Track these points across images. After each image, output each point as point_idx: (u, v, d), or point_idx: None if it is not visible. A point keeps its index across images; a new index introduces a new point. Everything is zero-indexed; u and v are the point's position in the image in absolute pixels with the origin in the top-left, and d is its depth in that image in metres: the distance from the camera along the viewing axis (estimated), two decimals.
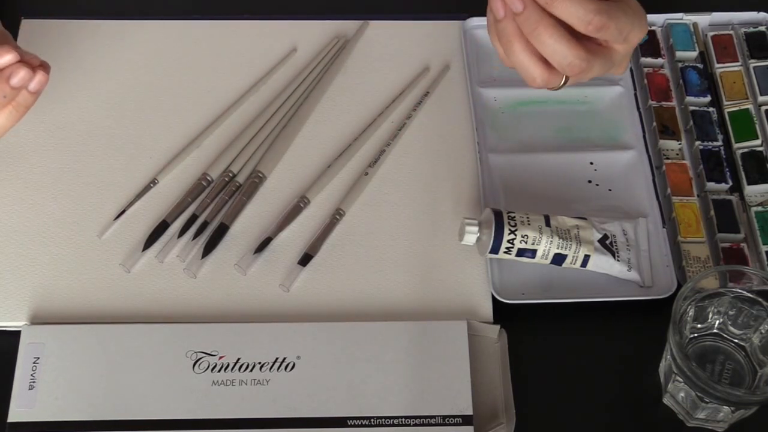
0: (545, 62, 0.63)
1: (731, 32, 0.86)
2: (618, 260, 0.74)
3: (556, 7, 0.60)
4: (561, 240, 0.73)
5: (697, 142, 0.81)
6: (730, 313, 0.69)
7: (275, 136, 0.81)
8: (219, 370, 0.69)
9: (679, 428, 0.70)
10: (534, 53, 0.63)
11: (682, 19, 0.87)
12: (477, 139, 0.81)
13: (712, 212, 0.77)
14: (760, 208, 0.78)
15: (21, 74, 0.63)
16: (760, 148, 0.81)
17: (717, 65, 0.85)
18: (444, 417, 0.68)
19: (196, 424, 0.67)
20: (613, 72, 0.66)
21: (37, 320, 0.72)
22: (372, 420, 0.68)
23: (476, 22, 0.86)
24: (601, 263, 0.74)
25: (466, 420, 0.68)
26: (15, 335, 0.71)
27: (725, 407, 0.66)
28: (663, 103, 0.83)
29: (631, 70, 0.85)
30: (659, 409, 0.71)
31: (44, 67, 0.64)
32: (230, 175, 0.79)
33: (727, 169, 0.80)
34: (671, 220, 0.78)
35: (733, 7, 0.88)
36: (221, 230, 0.76)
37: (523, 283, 0.75)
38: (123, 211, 0.77)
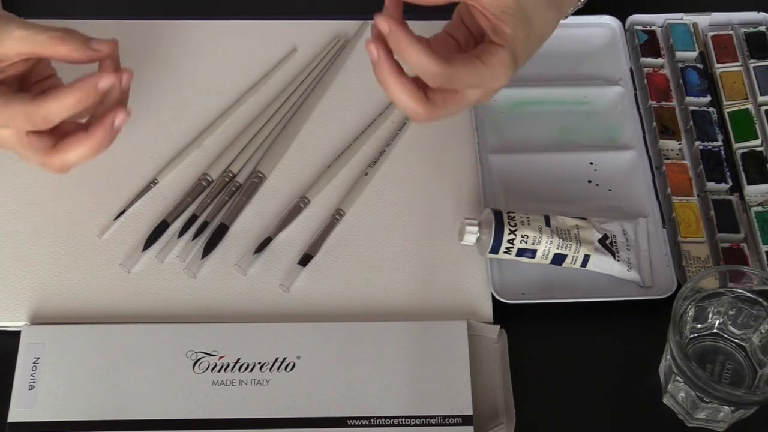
0: (423, 97, 0.62)
1: (731, 32, 0.86)
2: (618, 260, 0.74)
3: (405, 55, 0.61)
4: (561, 240, 0.73)
5: (697, 142, 0.81)
6: (730, 313, 0.69)
7: (275, 136, 0.81)
8: (219, 370, 0.69)
9: (679, 428, 0.70)
10: (411, 89, 0.62)
11: (682, 19, 0.87)
12: (477, 139, 0.81)
13: (712, 212, 0.77)
14: (760, 208, 0.78)
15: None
16: (760, 148, 0.81)
17: (717, 65, 0.85)
18: (444, 417, 0.68)
19: (196, 424, 0.67)
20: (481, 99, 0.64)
21: (37, 320, 0.72)
22: (372, 420, 0.68)
23: None
24: (601, 263, 0.74)
25: (466, 420, 0.68)
26: (15, 335, 0.71)
27: (725, 407, 0.66)
28: (663, 103, 0.83)
29: (631, 70, 0.85)
30: (659, 409, 0.71)
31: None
32: (230, 175, 0.79)
33: (727, 169, 0.80)
34: (671, 220, 0.78)
35: (733, 7, 0.87)
36: (221, 230, 0.76)
37: (523, 283, 0.75)
38: (123, 211, 0.77)
